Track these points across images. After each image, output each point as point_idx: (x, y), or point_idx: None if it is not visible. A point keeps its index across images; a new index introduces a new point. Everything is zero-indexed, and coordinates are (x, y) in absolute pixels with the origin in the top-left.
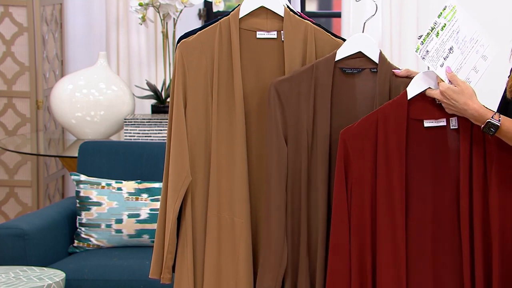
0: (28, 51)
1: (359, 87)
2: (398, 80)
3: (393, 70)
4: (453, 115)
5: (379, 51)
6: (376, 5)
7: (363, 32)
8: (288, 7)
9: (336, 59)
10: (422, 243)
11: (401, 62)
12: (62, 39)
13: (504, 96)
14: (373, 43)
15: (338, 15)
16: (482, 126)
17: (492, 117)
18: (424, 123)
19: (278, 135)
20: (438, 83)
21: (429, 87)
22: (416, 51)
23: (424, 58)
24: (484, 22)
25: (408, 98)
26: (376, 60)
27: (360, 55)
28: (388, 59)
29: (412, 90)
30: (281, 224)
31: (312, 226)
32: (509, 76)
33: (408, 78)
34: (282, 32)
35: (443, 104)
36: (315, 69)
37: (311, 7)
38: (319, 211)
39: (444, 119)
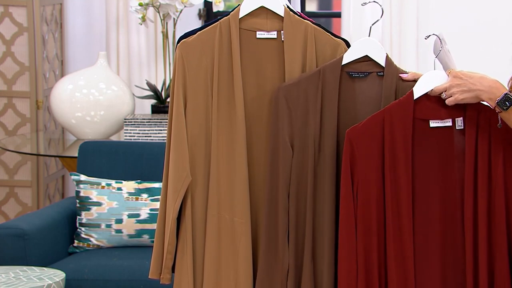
0: (28, 51)
1: (365, 91)
2: (404, 84)
3: (399, 75)
4: (459, 115)
5: (386, 54)
6: (382, 9)
7: (369, 35)
8: (288, 7)
9: (343, 63)
10: (429, 243)
11: (401, 62)
12: (62, 39)
13: None
14: (380, 47)
15: (338, 15)
16: (498, 99)
17: (510, 91)
18: (430, 123)
19: (284, 139)
20: (448, 72)
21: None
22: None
23: (443, 39)
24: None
25: (414, 98)
26: (383, 63)
27: (366, 58)
28: (394, 63)
29: (419, 90)
30: (284, 228)
31: (317, 229)
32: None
33: (415, 81)
34: (282, 32)
35: (452, 91)
36: (322, 74)
37: (311, 7)
38: (325, 214)
39: (450, 120)
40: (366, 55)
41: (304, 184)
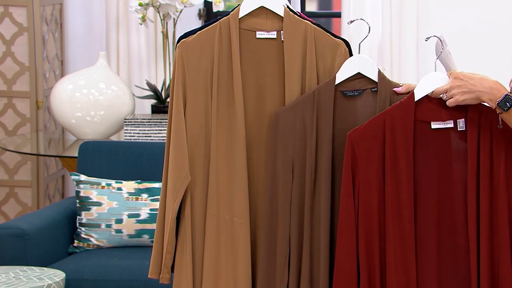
0: (28, 51)
1: (361, 108)
2: (399, 98)
3: (393, 89)
4: (460, 116)
5: (378, 69)
6: (369, 26)
7: (359, 53)
8: (288, 7)
9: (336, 82)
10: (429, 245)
11: (401, 63)
12: (62, 39)
13: None
14: (371, 63)
15: (338, 15)
16: (498, 100)
17: (510, 92)
18: (431, 125)
19: (283, 166)
20: (449, 74)
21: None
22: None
23: (444, 40)
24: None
25: (415, 99)
26: (376, 79)
27: (359, 76)
28: (387, 77)
29: (419, 92)
30: (284, 252)
31: (314, 254)
32: None
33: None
34: (282, 32)
35: (453, 92)
36: (316, 95)
37: (311, 7)
38: (320, 236)
39: (452, 121)
40: (359, 73)
41: (302, 203)
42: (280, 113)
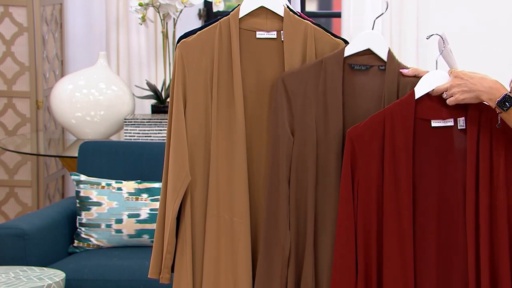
0: (28, 51)
1: (366, 84)
2: (406, 80)
3: (400, 70)
4: (461, 115)
5: (388, 49)
6: (387, 2)
7: (372, 29)
8: (288, 7)
9: (345, 55)
10: (427, 243)
11: (401, 63)
12: (62, 39)
13: None
14: (383, 41)
15: (338, 15)
16: (498, 100)
17: (510, 92)
18: (432, 123)
19: (284, 127)
20: (450, 72)
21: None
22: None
23: (445, 39)
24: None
25: (416, 97)
26: (385, 58)
27: (369, 52)
28: (396, 58)
29: (420, 90)
30: (285, 214)
31: (319, 220)
32: None
33: (416, 77)
34: (282, 32)
35: (453, 91)
36: (324, 65)
37: (311, 7)
38: (331, 202)
39: (452, 119)
40: (369, 49)
41: (305, 170)
42: (283, 75)
